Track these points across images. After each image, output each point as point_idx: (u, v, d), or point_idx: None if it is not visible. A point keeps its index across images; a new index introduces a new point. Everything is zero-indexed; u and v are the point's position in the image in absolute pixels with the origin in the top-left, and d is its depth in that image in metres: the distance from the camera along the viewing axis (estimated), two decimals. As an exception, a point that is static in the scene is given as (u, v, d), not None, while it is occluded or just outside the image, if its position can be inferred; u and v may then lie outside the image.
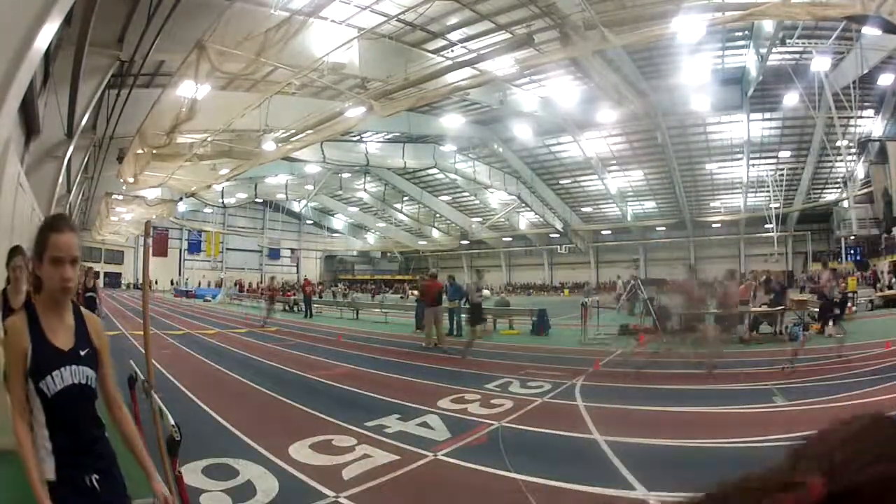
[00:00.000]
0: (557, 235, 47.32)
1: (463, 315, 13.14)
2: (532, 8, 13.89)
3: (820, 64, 21.14)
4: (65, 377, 1.58)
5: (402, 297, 37.97)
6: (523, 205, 42.35)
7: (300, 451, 4.34)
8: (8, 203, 4.86)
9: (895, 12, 7.02)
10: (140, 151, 14.67)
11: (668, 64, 23.57)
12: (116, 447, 1.74)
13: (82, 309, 1.74)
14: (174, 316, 21.15)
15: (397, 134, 30.96)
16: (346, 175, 41.43)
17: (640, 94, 22.80)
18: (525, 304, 22.47)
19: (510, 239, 52.74)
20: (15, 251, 3.41)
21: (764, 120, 29.73)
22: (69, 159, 10.62)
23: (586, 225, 46.58)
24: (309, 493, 3.53)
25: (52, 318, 1.63)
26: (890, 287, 22.13)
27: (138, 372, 4.27)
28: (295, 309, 24.36)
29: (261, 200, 47.00)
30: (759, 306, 12.53)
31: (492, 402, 6.14)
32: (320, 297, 34.12)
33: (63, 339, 1.63)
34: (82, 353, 1.64)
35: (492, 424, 5.18)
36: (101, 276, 41.17)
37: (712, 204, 41.07)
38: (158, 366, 6.56)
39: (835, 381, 6.94)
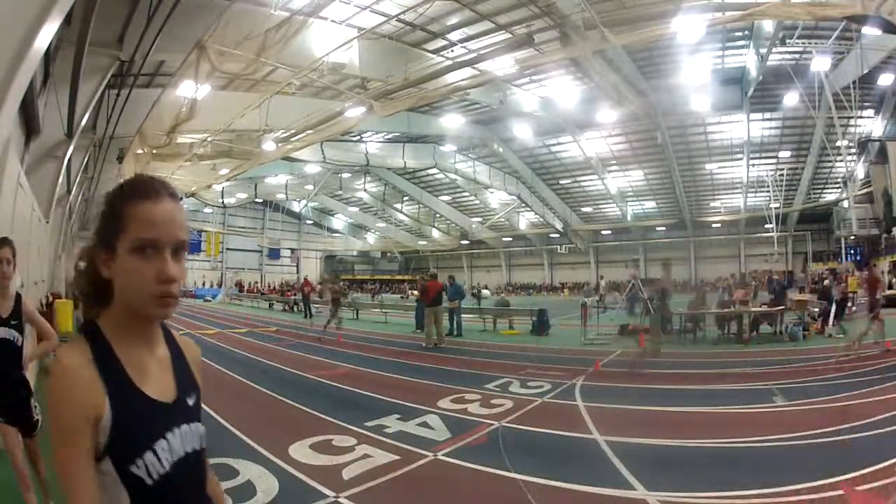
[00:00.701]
0: (557, 235, 47.31)
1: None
2: (532, 8, 13.89)
3: (820, 64, 21.11)
4: (174, 447, 0.93)
5: (402, 297, 37.97)
6: (523, 205, 42.32)
7: (300, 450, 4.35)
8: (8, 203, 4.85)
9: (895, 12, 7.03)
10: (140, 151, 14.72)
11: (668, 64, 23.53)
12: None
13: (173, 331, 1.13)
14: (174, 316, 21.16)
15: (397, 134, 30.92)
16: (346, 175, 41.38)
17: (640, 94, 22.78)
18: (525, 303, 22.47)
19: (510, 239, 52.71)
20: (1, 242, 2.84)
21: (764, 120, 29.67)
22: (69, 159, 10.58)
23: (586, 225, 46.55)
24: (309, 493, 3.53)
25: (139, 351, 0.97)
26: (890, 287, 22.11)
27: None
28: (294, 309, 24.45)
29: (261, 200, 46.93)
30: (759, 306, 12.53)
31: (492, 402, 6.14)
32: (320, 296, 34.07)
33: (162, 384, 0.98)
34: (190, 402, 1.03)
35: (492, 424, 5.18)
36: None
37: (712, 204, 41.02)
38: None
39: (835, 381, 6.94)
